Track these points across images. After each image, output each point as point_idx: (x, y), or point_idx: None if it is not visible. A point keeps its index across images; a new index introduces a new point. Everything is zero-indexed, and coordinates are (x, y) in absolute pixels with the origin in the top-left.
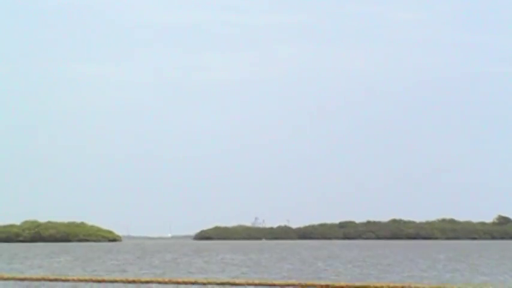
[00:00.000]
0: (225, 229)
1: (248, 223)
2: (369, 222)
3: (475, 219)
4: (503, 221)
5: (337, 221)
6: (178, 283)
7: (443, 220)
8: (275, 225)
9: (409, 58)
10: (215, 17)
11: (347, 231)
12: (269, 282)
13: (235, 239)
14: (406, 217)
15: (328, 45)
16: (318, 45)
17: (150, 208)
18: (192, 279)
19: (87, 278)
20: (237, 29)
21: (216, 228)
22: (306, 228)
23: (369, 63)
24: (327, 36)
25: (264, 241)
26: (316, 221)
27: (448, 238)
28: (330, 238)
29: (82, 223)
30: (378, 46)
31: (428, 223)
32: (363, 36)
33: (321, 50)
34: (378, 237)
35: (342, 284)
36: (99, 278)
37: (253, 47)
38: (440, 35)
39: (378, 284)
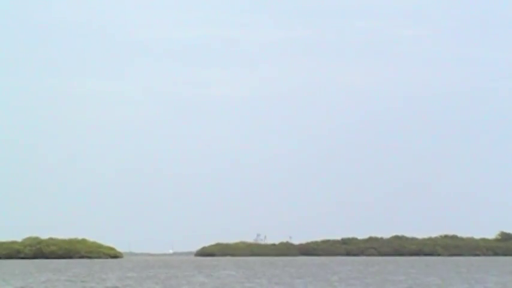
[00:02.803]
0: (227, 245)
1: (250, 240)
2: (371, 239)
3: (477, 235)
4: (505, 237)
5: (339, 237)
6: None
7: (446, 236)
8: (277, 242)
9: (411, 73)
10: (216, 33)
11: (349, 247)
12: None
13: (237, 255)
14: (408, 233)
15: (331, 60)
16: (321, 61)
17: (152, 225)
18: None
19: None
20: (240, 44)
21: (218, 245)
22: (308, 244)
23: (371, 79)
24: (330, 52)
25: (228, 258)
26: (318, 238)
27: (450, 254)
28: (332, 254)
29: (83, 239)
30: (381, 61)
31: (430, 239)
32: (366, 52)
33: (323, 66)
34: (380, 254)
35: None
36: None
37: (255, 63)
38: (442, 51)
39: None
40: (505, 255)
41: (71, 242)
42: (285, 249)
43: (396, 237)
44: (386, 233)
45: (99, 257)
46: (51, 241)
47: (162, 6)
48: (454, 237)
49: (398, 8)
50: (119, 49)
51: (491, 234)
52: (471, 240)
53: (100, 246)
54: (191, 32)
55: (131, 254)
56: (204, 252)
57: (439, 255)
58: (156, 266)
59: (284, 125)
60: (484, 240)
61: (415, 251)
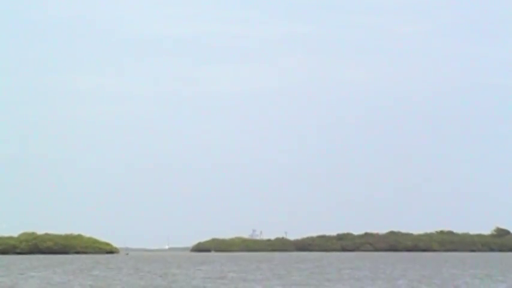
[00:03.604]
0: (223, 241)
1: (246, 235)
2: (366, 234)
3: (473, 231)
4: (501, 233)
5: (334, 233)
6: None
7: (441, 232)
8: (273, 237)
9: (410, 69)
10: (216, 29)
11: (345, 243)
12: None
13: (232, 251)
14: (403, 229)
15: (331, 57)
16: (321, 57)
17: (148, 220)
18: None
19: None
20: (239, 41)
21: (214, 241)
22: (303, 240)
23: (371, 75)
24: (330, 48)
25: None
26: (314, 233)
27: (446, 250)
28: (327, 250)
29: (79, 235)
30: (380, 57)
31: (426, 235)
32: (366, 48)
33: (323, 62)
34: (376, 249)
35: None
36: None
37: (255, 58)
38: (443, 48)
39: None
40: (501, 251)
41: (66, 237)
42: (280, 245)
43: (392, 233)
44: (381, 229)
45: (95, 253)
46: (47, 236)
47: (161, 2)
48: (449, 233)
49: (398, 4)
50: (118, 46)
51: (487, 230)
52: (467, 236)
53: (96, 241)
54: (190, 28)
55: (127, 249)
56: (200, 248)
57: (434, 251)
58: (148, 262)
59: (281, 121)
60: (479, 236)
61: (411, 247)
